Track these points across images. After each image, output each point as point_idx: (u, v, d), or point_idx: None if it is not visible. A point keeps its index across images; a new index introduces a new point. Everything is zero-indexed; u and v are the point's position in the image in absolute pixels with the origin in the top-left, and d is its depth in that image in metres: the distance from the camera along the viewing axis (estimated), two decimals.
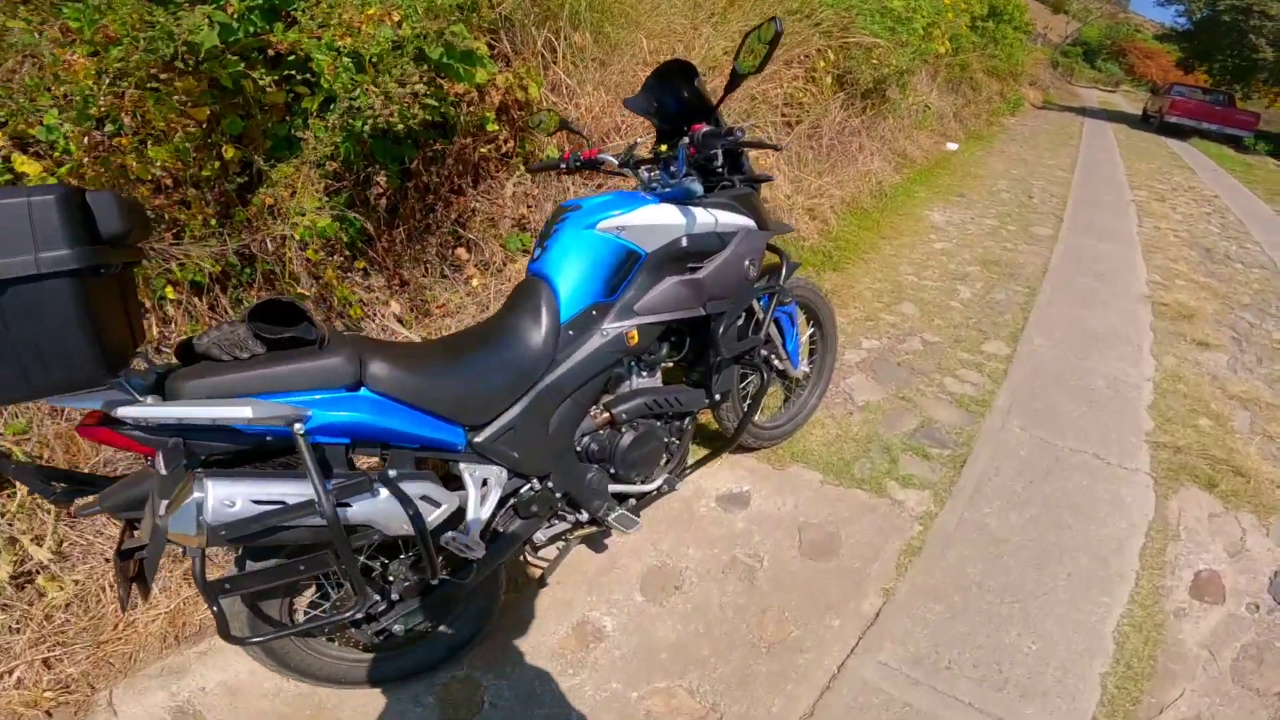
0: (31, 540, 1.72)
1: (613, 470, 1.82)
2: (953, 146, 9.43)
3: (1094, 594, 2.21)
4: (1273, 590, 2.37)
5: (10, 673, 1.62)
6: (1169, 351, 3.93)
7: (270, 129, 2.13)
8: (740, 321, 2.11)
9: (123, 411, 1.05)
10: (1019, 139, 11.57)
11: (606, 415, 1.79)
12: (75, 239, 0.93)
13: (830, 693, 1.82)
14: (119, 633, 1.78)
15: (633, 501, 1.95)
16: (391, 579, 1.52)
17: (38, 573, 1.73)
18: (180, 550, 1.70)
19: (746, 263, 2.01)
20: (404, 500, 1.27)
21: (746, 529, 2.37)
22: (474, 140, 2.86)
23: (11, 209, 0.90)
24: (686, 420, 2.05)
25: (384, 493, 1.25)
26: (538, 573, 2.09)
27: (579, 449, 1.77)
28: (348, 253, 2.53)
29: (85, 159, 1.73)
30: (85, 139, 1.74)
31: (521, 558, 2.07)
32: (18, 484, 1.72)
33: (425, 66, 2.26)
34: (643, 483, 1.94)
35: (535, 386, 1.56)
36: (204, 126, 1.92)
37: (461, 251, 2.99)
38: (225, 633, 1.23)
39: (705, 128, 1.73)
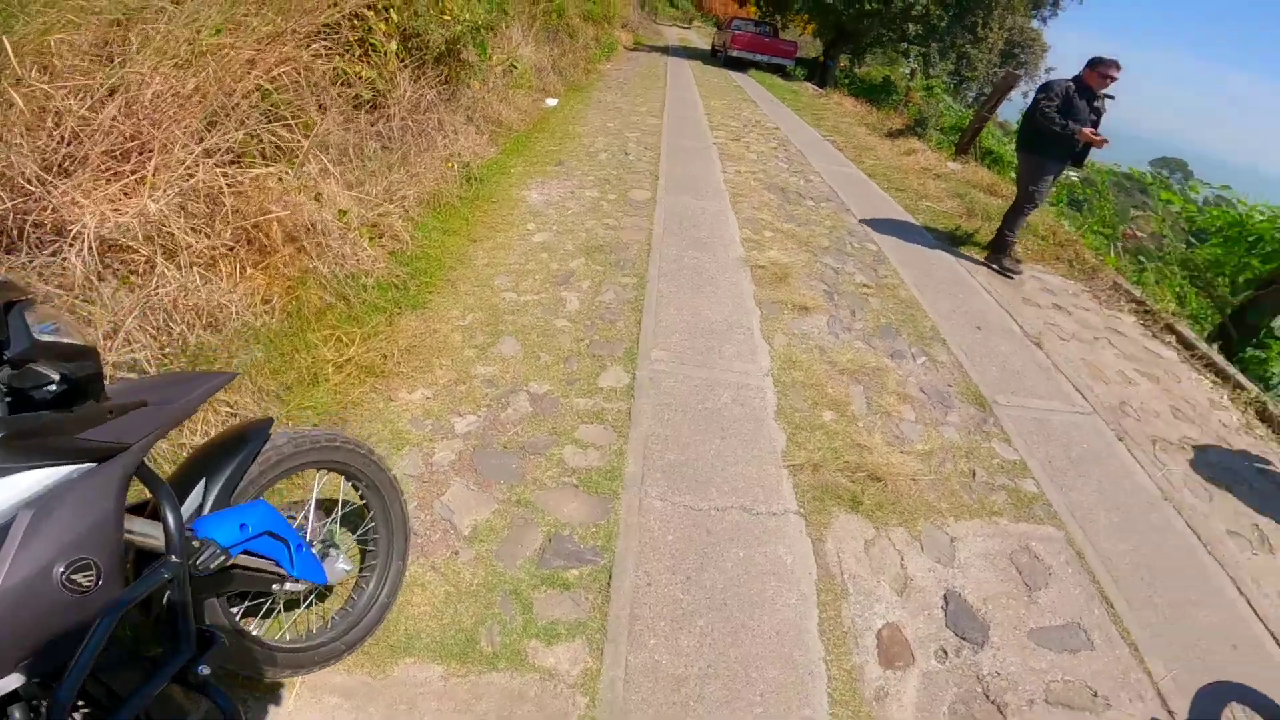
0: None
1: None
2: (552, 102, 8.90)
3: (794, 711, 1.81)
4: (950, 623, 2.20)
5: None
6: (777, 329, 3.77)
7: None
8: None
9: None
10: (614, 86, 11.65)
11: None
12: None
13: None
14: None
15: None
16: None
17: None
18: None
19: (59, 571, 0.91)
20: None
21: None
22: None
23: None
24: None
25: None
26: None
27: None
28: None
29: None
30: None
31: None
32: None
33: None
34: None
35: None
36: None
37: None
38: None
39: None
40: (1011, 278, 5.10)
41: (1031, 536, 2.67)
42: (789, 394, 3.21)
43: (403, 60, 5.07)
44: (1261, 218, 5.65)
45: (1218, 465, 3.48)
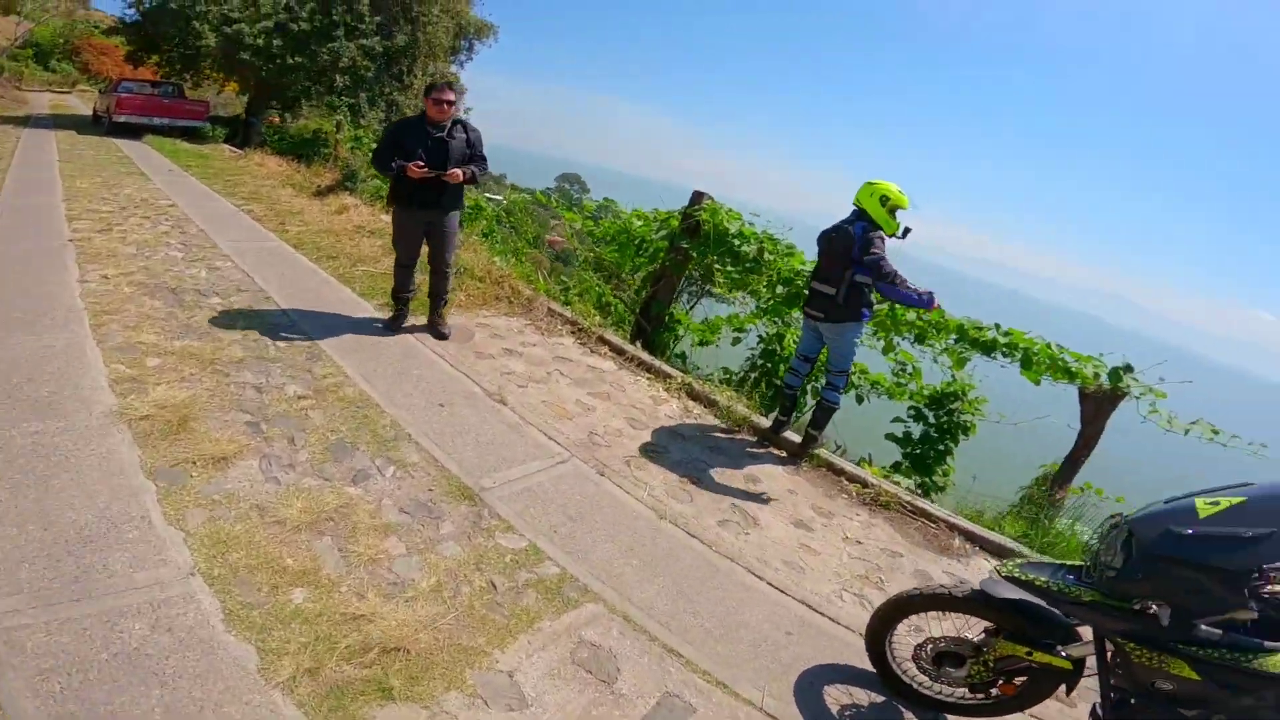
0: None
1: None
2: None
3: None
4: None
5: None
6: (188, 503, 2.70)
7: None
8: None
9: None
10: None
11: None
12: None
13: None
14: None
15: None
16: None
17: None
18: None
19: None
20: None
21: None
22: None
23: None
24: None
25: None
26: None
27: None
28: None
29: None
30: None
31: None
32: None
33: None
34: None
35: None
36: None
37: None
38: None
39: None
40: (446, 338, 4.80)
41: (579, 626, 2.44)
42: (233, 588, 2.27)
43: None
44: (640, 223, 6.94)
45: (680, 460, 3.90)
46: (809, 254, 4.69)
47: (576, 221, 7.33)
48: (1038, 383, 4.57)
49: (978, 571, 3.58)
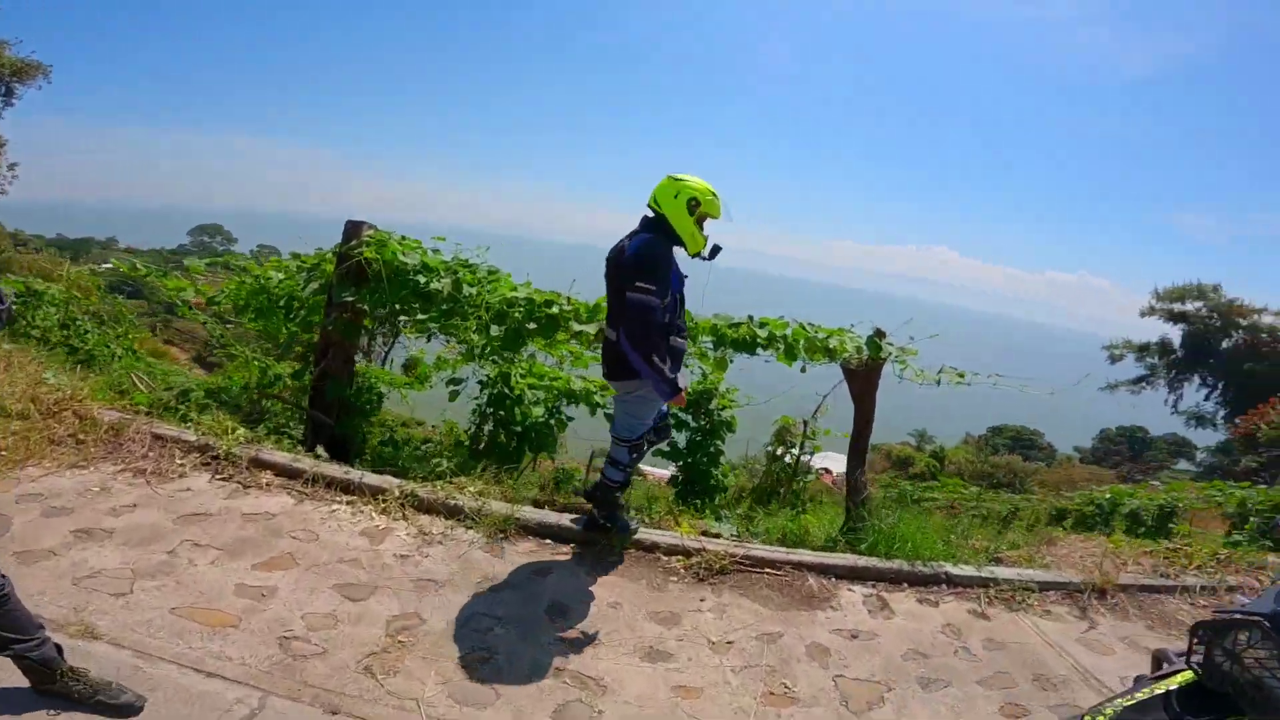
0: None
1: None
2: None
3: None
4: None
5: None
6: None
7: None
8: None
9: None
10: None
11: None
12: None
13: None
14: None
15: None
16: None
17: None
18: None
19: None
20: None
21: None
22: None
23: None
24: None
25: None
26: None
27: None
28: None
29: None
30: None
31: None
32: None
33: None
34: None
35: None
36: None
37: None
38: None
39: None
40: None
41: None
42: None
43: None
44: (283, 276, 4.91)
45: (450, 630, 2.48)
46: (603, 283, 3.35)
47: (185, 289, 5.03)
48: (797, 367, 4.18)
49: (854, 612, 2.94)
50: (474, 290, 3.83)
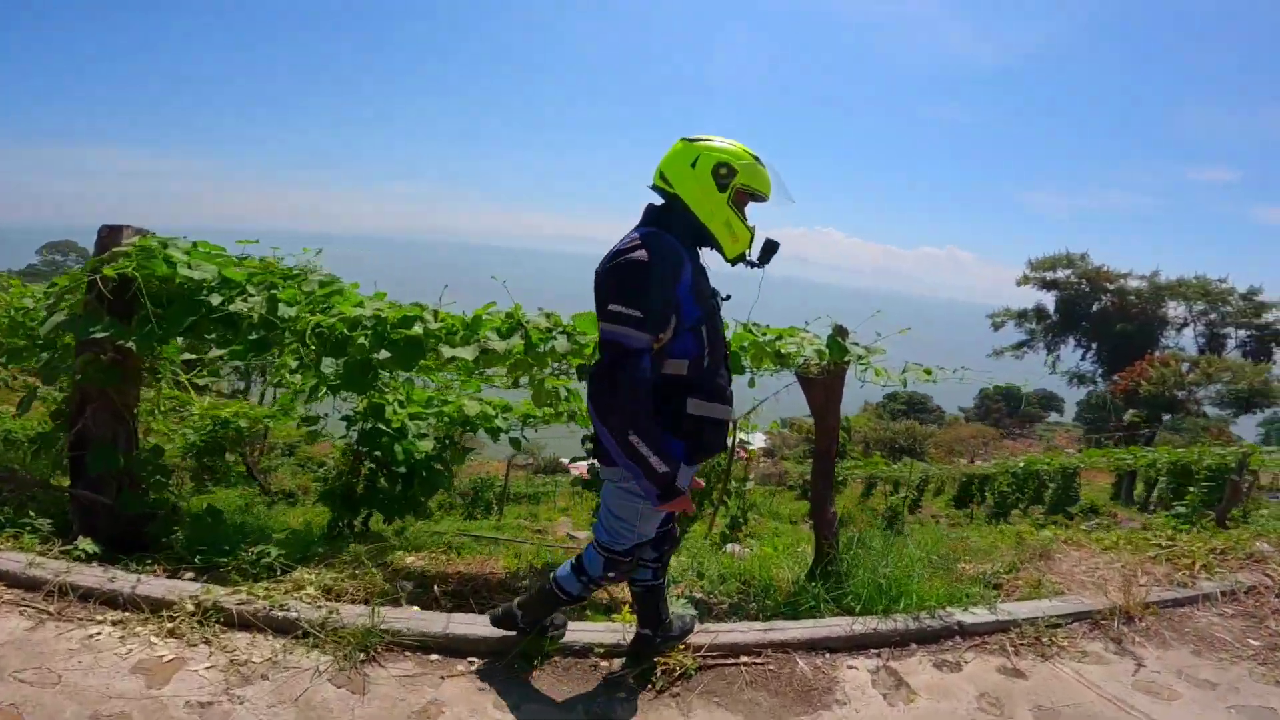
0: None
1: None
2: None
3: None
4: None
5: None
6: None
7: None
8: None
9: None
10: None
11: None
12: None
13: None
14: None
15: None
16: None
17: None
18: None
19: None
20: None
21: None
22: None
23: None
24: None
25: None
26: None
27: None
28: None
29: None
30: None
31: None
32: None
33: None
34: None
35: None
36: None
37: None
38: None
39: None
40: None
41: None
42: None
43: None
44: (33, 304, 3.45)
45: None
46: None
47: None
48: (744, 380, 3.41)
49: (866, 702, 2.19)
50: (296, 310, 2.69)
